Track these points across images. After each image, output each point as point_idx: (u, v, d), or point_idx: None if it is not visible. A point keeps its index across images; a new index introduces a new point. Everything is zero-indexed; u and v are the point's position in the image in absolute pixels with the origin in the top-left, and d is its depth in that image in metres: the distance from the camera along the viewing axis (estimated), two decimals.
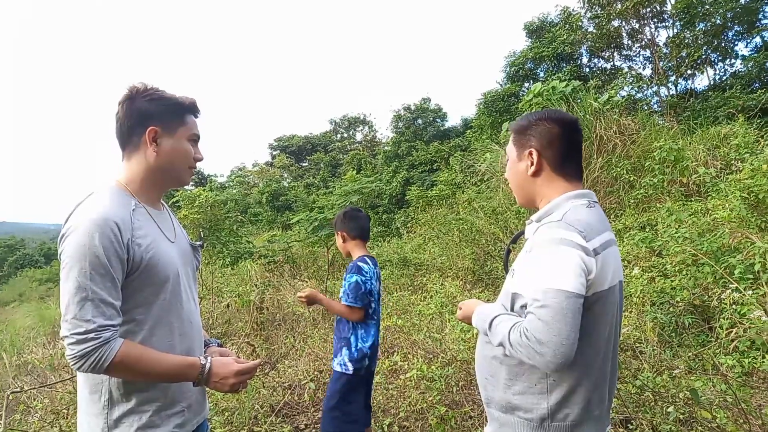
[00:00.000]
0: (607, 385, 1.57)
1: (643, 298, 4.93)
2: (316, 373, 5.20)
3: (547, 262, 1.42)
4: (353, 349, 2.95)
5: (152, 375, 1.50)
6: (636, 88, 15.15)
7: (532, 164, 1.62)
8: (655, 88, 15.87)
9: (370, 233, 3.30)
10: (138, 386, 1.52)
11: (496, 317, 1.54)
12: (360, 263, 3.02)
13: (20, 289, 31.57)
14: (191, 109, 1.69)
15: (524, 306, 1.50)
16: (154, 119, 1.60)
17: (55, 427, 3.63)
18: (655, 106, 15.45)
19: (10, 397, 3.38)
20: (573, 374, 1.48)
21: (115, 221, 1.45)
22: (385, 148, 28.92)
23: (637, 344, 4.24)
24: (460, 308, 1.80)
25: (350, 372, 2.93)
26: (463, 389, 3.85)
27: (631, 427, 3.16)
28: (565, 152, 1.61)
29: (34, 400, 4.25)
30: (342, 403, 2.92)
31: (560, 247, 1.41)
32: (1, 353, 6.69)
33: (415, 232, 12.77)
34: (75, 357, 1.39)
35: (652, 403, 3.12)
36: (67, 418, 3.71)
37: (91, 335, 1.38)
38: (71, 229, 1.44)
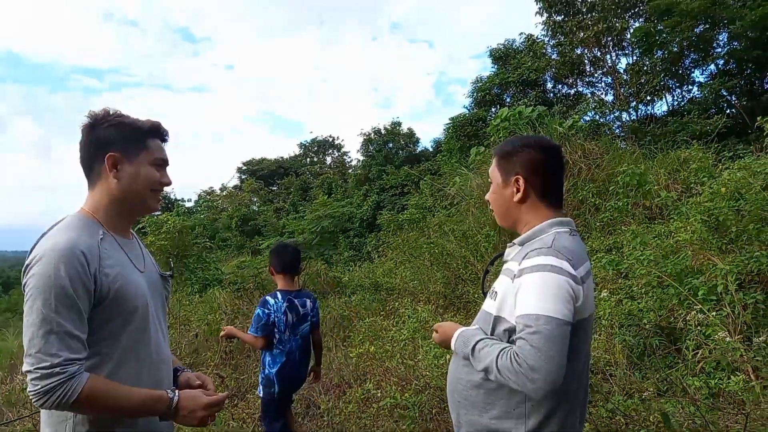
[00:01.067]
0: (580, 408, 1.60)
1: (611, 321, 5.00)
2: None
3: (539, 288, 1.43)
4: (263, 374, 3.29)
5: (119, 410, 1.44)
6: (599, 114, 15.61)
7: (518, 191, 1.65)
8: (617, 113, 16.38)
9: (301, 264, 3.64)
10: (104, 425, 1.46)
11: (479, 341, 1.54)
12: (268, 297, 3.31)
13: None
14: (153, 132, 1.66)
15: (507, 330, 1.53)
16: (113, 145, 1.57)
17: None
18: (618, 130, 15.93)
19: None
20: (552, 398, 1.49)
21: (82, 251, 1.41)
22: (356, 171, 29.01)
23: (607, 367, 4.29)
24: (436, 331, 1.79)
25: (261, 395, 3.29)
26: (437, 416, 3.82)
27: None
28: (550, 180, 1.65)
29: None
30: (266, 413, 3.30)
31: (551, 274, 1.44)
32: None
33: (386, 256, 12.76)
34: (39, 393, 1.33)
35: (624, 427, 3.14)
36: None
37: (57, 369, 1.33)
38: (36, 259, 1.39)
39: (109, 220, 1.59)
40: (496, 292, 1.62)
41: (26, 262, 1.43)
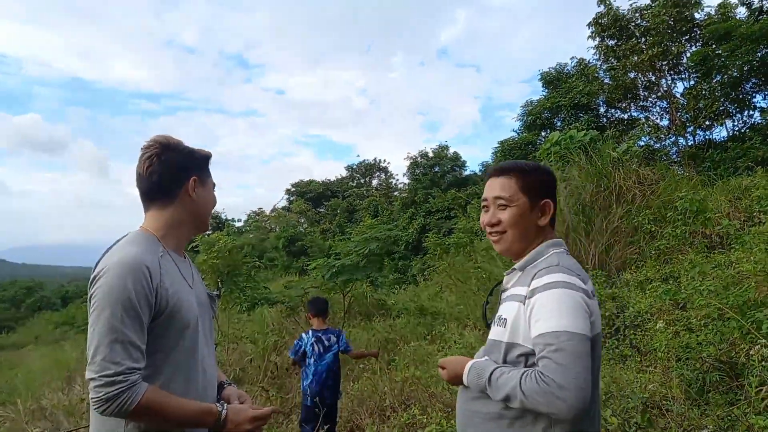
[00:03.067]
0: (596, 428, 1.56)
1: (668, 353, 4.79)
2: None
3: (556, 305, 1.41)
4: (301, 387, 4.55)
5: (172, 420, 1.50)
6: (654, 139, 15.19)
7: (544, 215, 1.68)
8: (673, 139, 15.90)
9: (328, 311, 4.91)
10: None
11: (495, 369, 1.49)
12: (303, 334, 4.66)
13: (36, 332, 31.69)
14: (209, 159, 1.81)
15: (523, 355, 1.50)
16: (193, 170, 1.70)
17: None
18: (674, 156, 15.44)
19: None
20: (576, 421, 1.41)
21: (147, 265, 1.48)
22: (402, 194, 29.09)
23: (663, 402, 4.10)
24: (443, 367, 1.71)
25: (302, 399, 4.52)
26: None
27: None
28: (556, 205, 1.72)
29: None
30: (302, 420, 4.49)
31: (565, 290, 1.43)
32: (16, 398, 6.67)
33: (431, 279, 12.67)
34: (101, 400, 1.39)
35: None
36: None
37: (120, 377, 1.39)
38: (103, 271, 1.47)
39: (170, 239, 1.68)
40: (504, 319, 1.59)
41: (93, 274, 1.50)
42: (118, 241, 1.61)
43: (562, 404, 1.31)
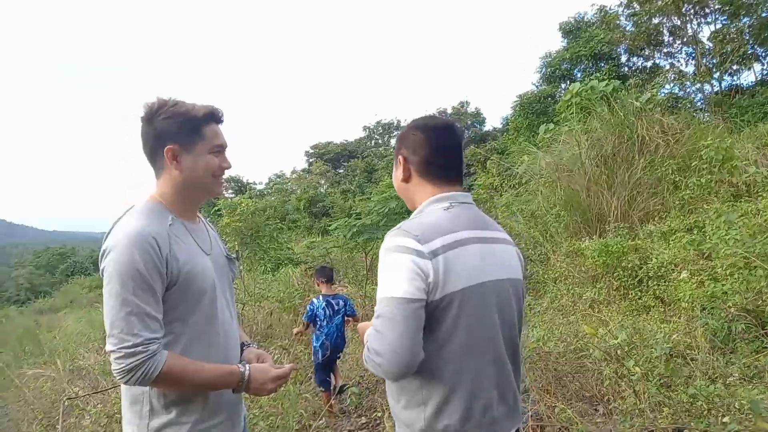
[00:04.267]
0: (495, 390, 1.49)
1: (692, 303, 4.78)
2: (358, 378, 5.23)
3: (382, 271, 1.43)
4: (313, 347, 4.88)
5: (195, 384, 1.53)
6: (678, 86, 14.74)
7: (403, 170, 1.65)
8: (698, 86, 15.41)
9: (334, 277, 5.38)
10: (177, 398, 1.54)
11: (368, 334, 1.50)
12: (314, 299, 4.99)
13: (71, 296, 32.65)
14: (210, 118, 1.64)
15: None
16: (171, 138, 1.59)
17: (109, 430, 3.76)
18: (699, 103, 15.00)
19: (66, 403, 3.51)
20: (442, 383, 1.43)
21: (153, 236, 1.47)
22: None
23: (688, 351, 4.12)
24: (359, 330, 1.74)
25: (313, 360, 4.88)
26: None
27: None
28: (430, 158, 1.61)
29: (88, 404, 4.40)
30: (316, 373, 4.83)
31: (393, 254, 1.42)
32: (55, 359, 6.95)
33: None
34: (123, 371, 1.41)
35: (706, 413, 3.02)
36: (119, 422, 3.83)
37: (139, 348, 1.40)
38: (111, 246, 1.46)
39: (177, 207, 1.65)
40: None
41: (102, 249, 1.50)
42: (126, 212, 1.60)
43: (379, 369, 1.38)
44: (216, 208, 11.24)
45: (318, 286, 5.14)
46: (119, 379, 1.43)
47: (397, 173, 1.68)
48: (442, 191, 1.59)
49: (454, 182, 1.62)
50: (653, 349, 3.62)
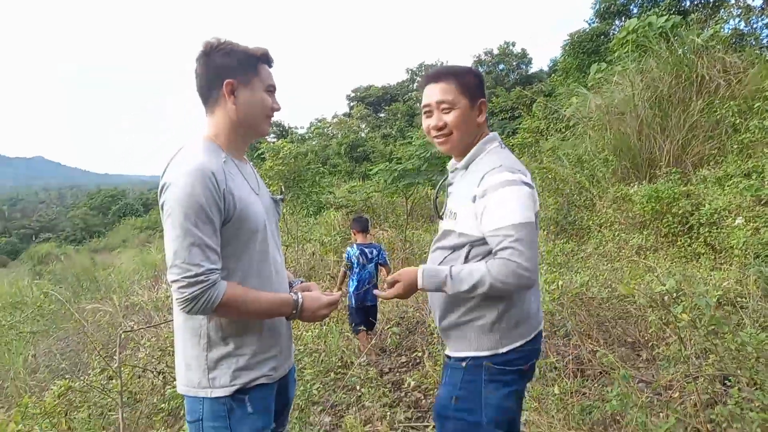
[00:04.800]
0: (539, 290, 1.88)
1: (745, 251, 4.60)
2: (398, 318, 5.32)
3: (508, 201, 1.63)
4: (348, 292, 4.95)
5: (253, 312, 1.58)
6: (744, 21, 13.69)
7: (482, 113, 1.84)
8: (766, 21, 14.28)
9: (369, 226, 5.30)
10: (234, 330, 1.59)
11: (452, 268, 1.70)
12: (348, 248, 5.15)
13: (123, 236, 34.17)
14: (264, 59, 1.70)
15: (470, 243, 1.75)
16: (230, 73, 1.62)
17: (162, 362, 3.96)
18: (765, 41, 13.94)
19: (122, 336, 3.71)
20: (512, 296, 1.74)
21: (212, 171, 1.49)
22: None
23: (738, 299, 3.99)
24: (397, 281, 1.81)
25: (348, 302, 4.92)
26: (547, 340, 3.81)
27: (728, 383, 3.01)
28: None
29: (142, 338, 4.65)
30: (350, 317, 4.89)
31: (513, 187, 1.65)
32: (111, 295, 7.33)
33: None
34: (186, 300, 1.45)
35: (754, 362, 2.94)
36: (171, 355, 4.03)
37: (201, 278, 1.44)
38: (171, 180, 1.49)
39: (229, 144, 1.67)
40: (455, 213, 1.82)
41: (161, 184, 1.53)
42: (180, 149, 1.63)
43: (526, 280, 1.60)
44: (259, 151, 11.35)
45: (354, 235, 5.30)
46: (182, 307, 1.48)
47: (473, 114, 1.82)
48: (488, 132, 1.87)
49: None
50: (703, 296, 3.51)
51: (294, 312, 1.66)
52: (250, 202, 1.62)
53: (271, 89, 1.71)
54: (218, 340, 1.59)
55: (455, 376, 1.82)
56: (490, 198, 1.66)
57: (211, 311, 1.49)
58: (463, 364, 1.79)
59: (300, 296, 1.67)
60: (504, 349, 1.76)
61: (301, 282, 1.95)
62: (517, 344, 1.76)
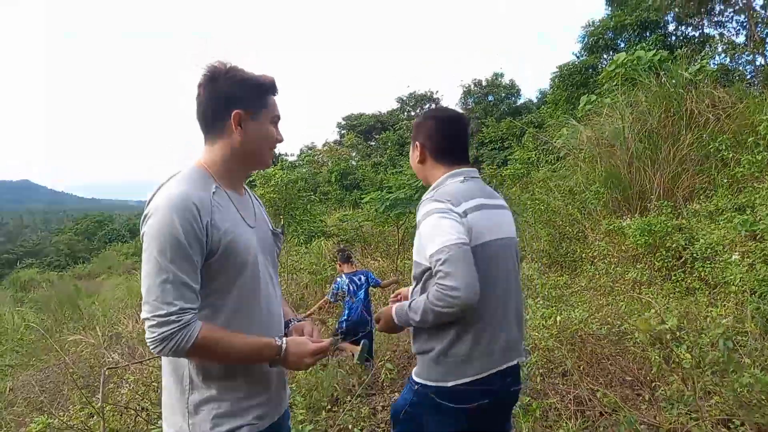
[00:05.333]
0: (498, 326, 1.82)
1: (742, 287, 4.57)
2: (390, 353, 5.20)
3: (428, 231, 1.75)
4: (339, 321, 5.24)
5: (230, 356, 1.47)
6: (729, 57, 14.03)
7: (419, 154, 2.02)
8: (749, 57, 14.65)
9: (353, 258, 5.73)
10: (218, 374, 1.49)
11: (411, 302, 1.83)
12: (337, 278, 5.33)
13: (109, 262, 33.62)
14: (272, 89, 1.62)
15: (423, 270, 1.84)
16: (238, 103, 1.53)
17: (146, 399, 3.81)
18: (750, 76, 14.25)
19: (107, 373, 3.57)
20: (464, 318, 1.74)
21: (194, 203, 1.41)
22: None
23: (736, 336, 3.93)
24: (378, 320, 2.03)
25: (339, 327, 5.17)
26: (545, 378, 3.71)
27: (732, 426, 2.93)
28: (442, 143, 1.99)
29: (127, 371, 4.48)
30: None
31: (433, 216, 1.76)
32: (95, 325, 7.13)
33: None
34: (156, 340, 1.36)
35: (762, 403, 2.87)
36: (155, 391, 3.87)
37: (173, 318, 1.36)
38: (152, 210, 1.42)
39: (224, 175, 1.58)
40: (414, 244, 1.94)
41: (144, 213, 1.45)
42: (171, 177, 1.54)
43: (456, 301, 1.63)
44: (250, 179, 11.28)
45: (340, 267, 5.48)
46: (152, 348, 1.39)
47: (414, 155, 2.05)
48: (453, 169, 1.96)
49: (463, 162, 2.00)
50: (703, 335, 3.46)
51: (277, 357, 1.53)
52: (239, 234, 1.52)
53: (276, 120, 1.64)
54: (200, 382, 1.49)
55: (409, 394, 1.93)
56: (422, 227, 1.80)
57: (184, 354, 1.40)
58: (416, 387, 1.88)
59: (284, 341, 1.55)
60: (449, 384, 1.79)
61: (301, 321, 1.84)
62: (464, 380, 1.78)
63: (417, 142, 2.01)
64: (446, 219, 1.73)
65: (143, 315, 1.39)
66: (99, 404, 3.00)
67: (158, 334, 1.36)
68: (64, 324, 9.53)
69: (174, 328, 1.36)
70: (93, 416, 3.51)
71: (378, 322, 2.02)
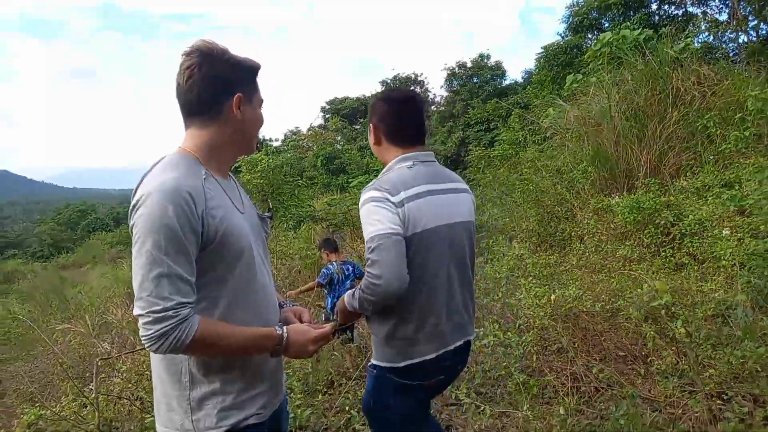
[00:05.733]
0: (444, 309, 1.89)
1: (732, 261, 4.62)
2: None
3: (365, 220, 1.79)
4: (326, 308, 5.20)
5: (231, 350, 1.42)
6: (712, 35, 14.08)
7: (373, 136, 2.04)
8: (732, 35, 14.71)
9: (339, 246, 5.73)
10: (220, 366, 1.43)
11: (354, 290, 1.87)
12: (328, 264, 5.29)
13: (93, 252, 33.22)
14: (258, 72, 1.58)
15: None
16: (238, 85, 1.48)
17: (140, 387, 3.76)
18: (733, 54, 14.33)
19: (99, 363, 3.52)
20: (403, 304, 1.82)
21: (189, 191, 1.33)
22: (439, 108, 28.33)
23: (728, 310, 3.97)
24: (337, 314, 2.05)
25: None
26: (540, 356, 3.73)
27: (726, 397, 2.97)
28: (395, 125, 1.99)
29: (119, 361, 4.43)
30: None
31: (370, 204, 1.79)
32: (83, 314, 7.05)
33: (474, 193, 12.49)
34: (152, 338, 1.29)
35: (755, 375, 2.91)
36: (149, 380, 3.83)
37: (170, 313, 1.29)
38: (142, 200, 1.33)
39: (212, 161, 1.51)
40: None
41: (133, 203, 1.36)
42: (156, 164, 1.45)
43: (380, 289, 1.69)
44: (236, 164, 11.16)
45: (327, 256, 5.43)
46: (149, 346, 1.32)
47: (371, 137, 2.06)
48: (406, 152, 1.96)
49: (417, 144, 2.00)
50: (696, 309, 3.49)
51: (278, 347, 1.48)
52: (234, 222, 1.45)
53: (262, 104, 1.60)
54: (201, 377, 1.42)
55: (369, 382, 2.02)
56: (361, 213, 1.84)
57: (182, 350, 1.33)
58: (374, 371, 1.97)
59: (285, 330, 1.50)
60: (401, 364, 1.88)
61: (292, 305, 1.80)
62: (415, 361, 1.87)
63: (371, 124, 2.03)
64: (381, 208, 1.77)
65: (136, 311, 1.32)
66: (93, 395, 2.95)
67: (154, 332, 1.28)
68: (51, 314, 9.40)
69: (171, 324, 1.29)
70: (86, 407, 3.46)
71: (337, 307, 2.03)
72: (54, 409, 3.43)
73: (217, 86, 1.46)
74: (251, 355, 1.48)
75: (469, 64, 25.82)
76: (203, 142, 1.49)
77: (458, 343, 1.95)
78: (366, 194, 1.84)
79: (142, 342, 1.33)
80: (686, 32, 12.57)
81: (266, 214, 1.77)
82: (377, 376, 1.95)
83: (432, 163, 2.00)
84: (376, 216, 1.76)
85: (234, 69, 1.49)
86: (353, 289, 1.91)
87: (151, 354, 1.46)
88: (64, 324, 6.93)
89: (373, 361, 1.97)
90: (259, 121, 1.58)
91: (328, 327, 1.62)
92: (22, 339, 8.06)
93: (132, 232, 1.35)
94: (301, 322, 1.68)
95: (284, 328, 1.51)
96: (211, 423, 1.41)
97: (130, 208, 1.37)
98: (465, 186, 2.10)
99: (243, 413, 1.46)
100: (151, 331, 1.29)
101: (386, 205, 1.77)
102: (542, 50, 17.35)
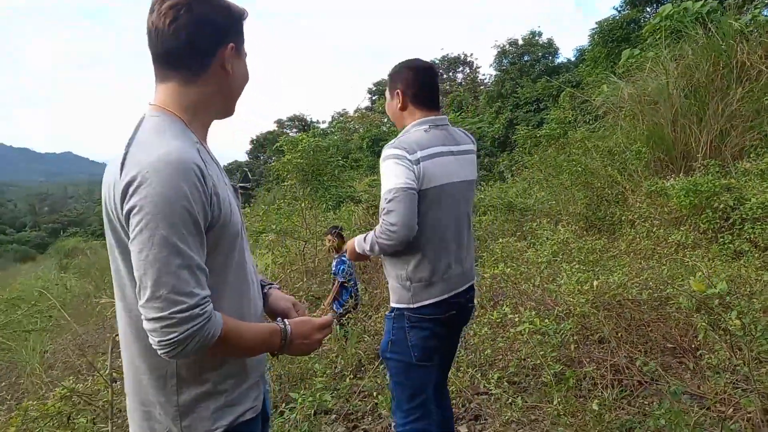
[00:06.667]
0: (453, 255, 2.13)
1: None
2: None
3: (385, 172, 1.99)
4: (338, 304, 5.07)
5: (245, 349, 1.27)
6: None
7: (398, 101, 2.18)
8: None
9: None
10: (212, 363, 1.25)
11: (366, 234, 2.10)
12: (342, 257, 5.08)
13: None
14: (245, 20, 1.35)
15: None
16: (230, 34, 1.26)
17: None
18: None
19: (116, 338, 3.55)
20: (418, 249, 2.05)
21: (196, 163, 1.12)
22: (488, 88, 27.66)
23: None
24: (346, 251, 2.41)
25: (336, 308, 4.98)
26: (580, 346, 3.52)
27: None
28: (419, 91, 2.17)
29: None
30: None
31: (390, 161, 1.99)
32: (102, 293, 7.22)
33: (520, 175, 12.12)
34: (174, 342, 1.07)
35: None
36: None
37: (196, 311, 1.08)
38: (143, 176, 1.08)
39: (195, 123, 1.27)
40: None
41: (126, 180, 1.10)
42: (139, 127, 1.22)
43: (394, 235, 1.92)
44: (277, 144, 11.20)
45: (331, 242, 5.39)
46: (166, 352, 1.09)
47: (394, 103, 2.21)
48: (425, 116, 2.16)
49: (434, 109, 2.20)
50: (755, 299, 3.20)
51: (283, 342, 1.31)
52: (230, 200, 1.26)
53: (245, 57, 1.37)
54: (192, 378, 1.23)
55: (388, 324, 2.19)
56: (381, 168, 2.03)
57: (201, 352, 1.14)
58: (392, 314, 2.15)
59: (286, 324, 1.32)
60: (416, 305, 2.08)
61: (274, 287, 1.58)
62: (428, 302, 2.09)
63: (398, 91, 2.18)
64: (399, 165, 1.97)
65: (152, 315, 1.07)
66: (107, 371, 2.94)
67: (178, 334, 1.07)
68: (103, 290, 9.74)
69: (198, 323, 1.09)
70: (116, 381, 3.49)
71: (346, 252, 2.31)
72: (86, 384, 3.46)
73: (207, 34, 1.23)
74: (260, 353, 1.34)
75: (520, 42, 25.04)
76: (189, 100, 1.26)
77: (466, 285, 2.20)
78: (387, 151, 2.02)
79: (159, 348, 1.10)
80: (755, 3, 11.70)
81: (239, 185, 1.63)
82: (395, 316, 2.14)
83: (446, 126, 2.21)
84: (394, 171, 1.96)
85: (225, 15, 1.26)
86: (365, 234, 2.13)
87: (128, 355, 1.27)
88: (105, 299, 7.11)
89: (392, 304, 2.17)
90: (246, 78, 1.36)
91: (329, 316, 1.48)
92: (76, 311, 8.36)
93: (131, 219, 1.10)
94: (293, 310, 1.52)
95: (285, 321, 1.35)
96: (206, 426, 1.25)
97: (122, 187, 1.11)
98: (472, 147, 2.33)
99: (239, 409, 1.30)
100: (175, 335, 1.07)
101: (404, 162, 1.97)
102: (596, 26, 16.56)
